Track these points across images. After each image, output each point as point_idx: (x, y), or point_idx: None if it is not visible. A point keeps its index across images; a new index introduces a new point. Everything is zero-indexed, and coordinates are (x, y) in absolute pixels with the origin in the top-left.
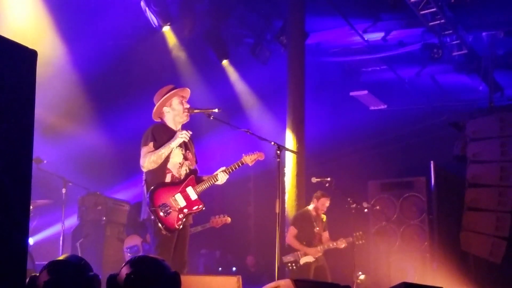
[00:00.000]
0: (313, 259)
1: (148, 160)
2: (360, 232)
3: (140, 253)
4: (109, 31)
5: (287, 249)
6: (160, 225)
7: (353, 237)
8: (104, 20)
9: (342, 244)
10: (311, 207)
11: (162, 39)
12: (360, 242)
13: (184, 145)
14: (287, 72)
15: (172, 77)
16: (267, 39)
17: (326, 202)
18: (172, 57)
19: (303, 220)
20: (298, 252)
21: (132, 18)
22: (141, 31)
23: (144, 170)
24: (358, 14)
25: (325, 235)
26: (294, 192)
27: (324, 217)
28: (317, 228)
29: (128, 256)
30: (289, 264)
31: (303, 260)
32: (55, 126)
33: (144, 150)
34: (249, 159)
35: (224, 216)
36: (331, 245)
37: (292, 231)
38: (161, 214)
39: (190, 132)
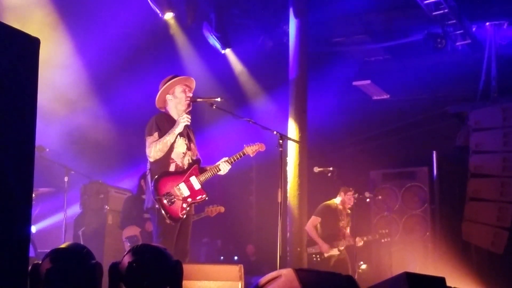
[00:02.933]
0: (338, 253)
1: (154, 149)
2: (386, 230)
3: (140, 243)
4: (110, 18)
5: (311, 241)
6: (164, 213)
7: (379, 234)
8: (105, 5)
9: (360, 242)
10: (338, 200)
11: (165, 26)
12: (386, 239)
13: (187, 136)
14: (290, 61)
15: (174, 66)
16: (270, 29)
17: (352, 197)
18: (175, 44)
19: (329, 213)
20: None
21: (133, 3)
22: (143, 17)
23: (151, 160)
24: (361, 3)
25: (347, 230)
26: (296, 181)
27: (349, 212)
28: (342, 222)
29: (127, 246)
30: (313, 256)
31: (328, 253)
32: (55, 111)
33: (149, 140)
34: (250, 150)
35: (218, 206)
36: (347, 242)
37: (314, 220)
38: (165, 202)
39: (190, 116)
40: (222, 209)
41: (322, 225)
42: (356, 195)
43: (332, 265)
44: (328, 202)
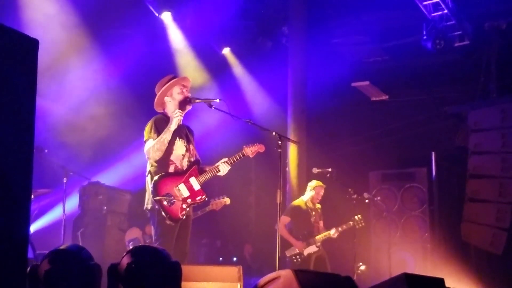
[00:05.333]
0: (316, 249)
1: (153, 149)
2: (359, 216)
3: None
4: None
5: (287, 243)
6: (164, 214)
7: (353, 221)
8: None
9: (336, 233)
10: (306, 197)
11: (161, 26)
12: (360, 225)
13: (185, 138)
14: (289, 62)
15: (171, 65)
16: (269, 29)
17: (321, 191)
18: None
19: (299, 211)
20: (302, 243)
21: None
22: (139, 17)
23: (151, 161)
24: (360, 4)
25: (320, 224)
26: (295, 182)
27: (319, 206)
28: (314, 218)
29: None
30: (294, 257)
31: (306, 251)
32: None
33: (148, 141)
34: (249, 150)
35: (223, 197)
36: (323, 237)
37: (283, 219)
38: (165, 203)
39: (182, 112)
40: (228, 200)
41: (295, 226)
42: (355, 196)
43: (313, 263)
44: (296, 202)
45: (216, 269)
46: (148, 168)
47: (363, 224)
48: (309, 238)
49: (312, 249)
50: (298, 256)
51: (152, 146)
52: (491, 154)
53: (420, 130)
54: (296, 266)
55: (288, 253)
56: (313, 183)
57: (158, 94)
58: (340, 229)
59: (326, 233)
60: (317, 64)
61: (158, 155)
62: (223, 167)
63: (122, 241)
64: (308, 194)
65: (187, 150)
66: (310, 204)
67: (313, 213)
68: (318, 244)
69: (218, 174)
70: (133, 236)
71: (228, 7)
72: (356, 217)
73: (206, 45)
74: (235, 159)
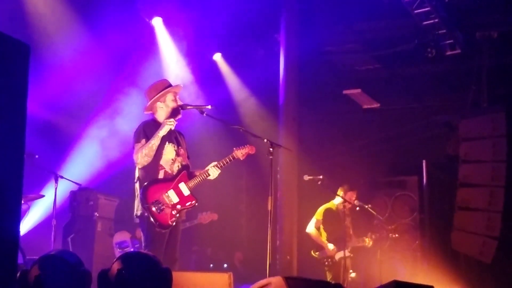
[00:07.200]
0: (348, 254)
1: (141, 155)
2: (393, 226)
3: (130, 249)
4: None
5: (318, 245)
6: (153, 221)
7: (387, 230)
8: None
9: (369, 242)
10: (337, 201)
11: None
12: (394, 235)
13: (176, 141)
14: (281, 70)
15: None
16: (262, 37)
17: (353, 196)
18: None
19: (331, 216)
20: (335, 247)
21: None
22: (129, 23)
23: (139, 166)
24: (352, 12)
25: (351, 231)
26: (286, 190)
27: (348, 212)
28: (346, 222)
29: (118, 252)
30: (325, 260)
31: (338, 256)
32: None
33: (136, 147)
34: (240, 153)
35: (211, 213)
36: (356, 243)
37: (316, 222)
38: (154, 210)
39: (173, 121)
40: (216, 216)
41: (327, 230)
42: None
43: (343, 269)
44: (327, 205)
45: (207, 276)
46: (137, 174)
47: (397, 235)
48: (340, 243)
49: (342, 254)
50: (330, 259)
51: (141, 152)
52: (481, 163)
53: (411, 139)
54: (326, 268)
55: (319, 255)
56: (345, 187)
57: (151, 100)
58: (373, 237)
59: (360, 239)
60: (309, 72)
61: (146, 160)
62: (213, 171)
63: (112, 247)
64: (340, 198)
65: (177, 154)
66: (341, 208)
67: (345, 217)
68: (348, 250)
69: (208, 178)
70: (121, 239)
71: (219, 13)
72: (390, 227)
73: (197, 50)
74: (225, 162)
